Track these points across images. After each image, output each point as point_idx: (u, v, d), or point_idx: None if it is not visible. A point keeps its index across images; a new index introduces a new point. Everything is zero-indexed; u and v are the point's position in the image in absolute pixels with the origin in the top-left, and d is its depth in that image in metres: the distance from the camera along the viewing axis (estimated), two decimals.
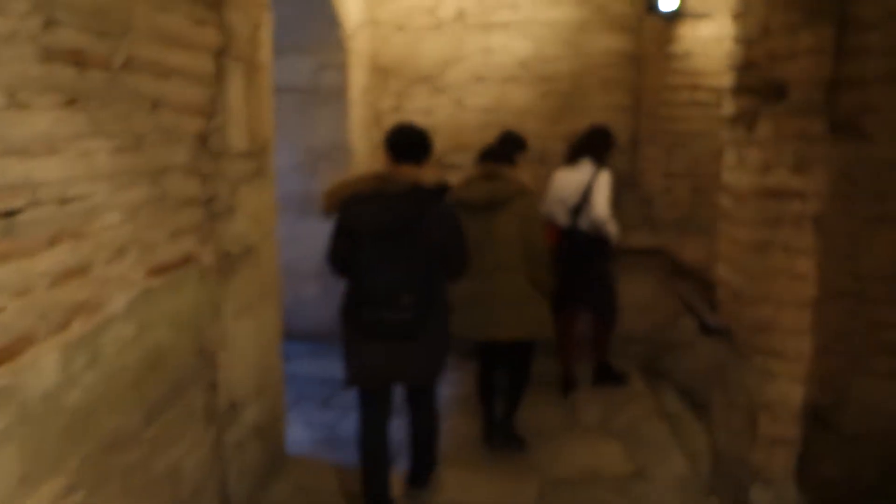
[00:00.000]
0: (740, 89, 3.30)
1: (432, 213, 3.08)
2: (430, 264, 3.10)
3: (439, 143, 6.46)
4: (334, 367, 5.32)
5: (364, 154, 6.28)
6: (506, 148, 4.41)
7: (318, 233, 5.71)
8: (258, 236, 3.54)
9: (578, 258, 4.89)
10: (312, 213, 5.80)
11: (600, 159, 4.94)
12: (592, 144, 4.98)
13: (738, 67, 3.31)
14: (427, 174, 3.21)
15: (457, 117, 6.49)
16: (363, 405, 3.35)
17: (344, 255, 3.17)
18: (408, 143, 3.21)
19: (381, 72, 6.47)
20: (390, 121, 6.47)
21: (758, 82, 3.12)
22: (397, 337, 3.10)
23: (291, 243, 5.81)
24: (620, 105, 6.46)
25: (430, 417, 3.50)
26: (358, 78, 5.96)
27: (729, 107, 3.42)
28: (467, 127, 6.49)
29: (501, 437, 4.26)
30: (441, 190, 3.19)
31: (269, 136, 3.67)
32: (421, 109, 6.50)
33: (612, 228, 4.82)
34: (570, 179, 4.97)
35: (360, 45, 6.03)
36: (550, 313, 4.07)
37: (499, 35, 6.41)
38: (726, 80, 3.41)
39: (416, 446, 3.58)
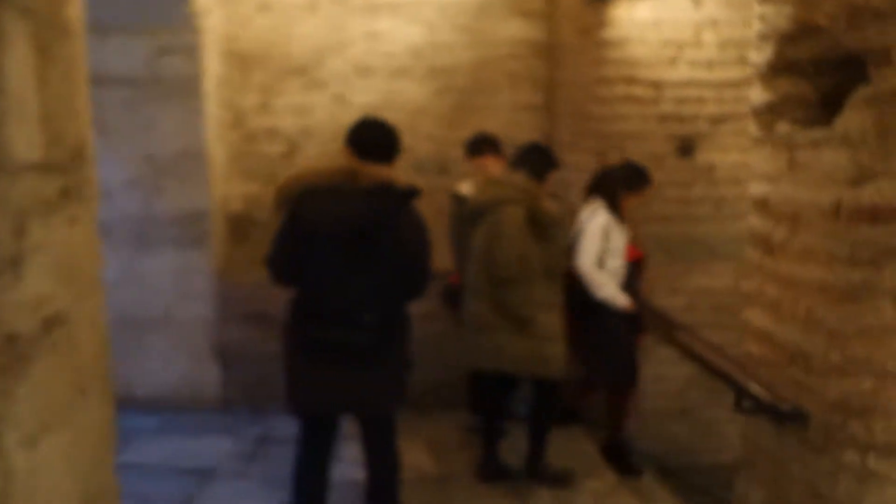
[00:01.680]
0: (784, 67, 2.35)
1: (402, 217, 2.73)
2: (396, 278, 2.76)
3: (317, 150, 5.26)
4: (196, 447, 4.02)
5: (222, 164, 4.96)
6: (533, 160, 3.87)
7: (165, 268, 4.45)
8: (69, 298, 2.19)
9: (577, 307, 4.08)
10: (157, 242, 4.43)
11: (612, 201, 4.17)
12: (603, 185, 4.26)
13: (780, 36, 2.34)
14: (398, 175, 2.81)
15: (338, 118, 5.28)
16: (303, 439, 2.98)
17: (292, 259, 2.76)
18: (376, 138, 2.81)
19: (242, 61, 5.17)
20: (255, 123, 5.19)
21: (825, 54, 2.16)
22: (354, 362, 2.75)
23: (128, 285, 4.44)
24: (531, 104, 5.51)
25: (388, 456, 3.01)
26: (212, 67, 4.64)
27: (763, 92, 2.46)
28: None
29: (539, 480, 3.87)
30: (411, 193, 2.76)
31: (83, 138, 2.32)
32: (294, 108, 5.26)
33: (601, 289, 4.07)
34: (580, 217, 4.33)
35: (214, 25, 4.71)
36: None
37: (386, 18, 5.29)
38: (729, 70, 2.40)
39: (372, 492, 3.03)
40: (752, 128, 2.56)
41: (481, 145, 4.38)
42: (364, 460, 3.05)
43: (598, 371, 4.29)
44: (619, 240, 4.08)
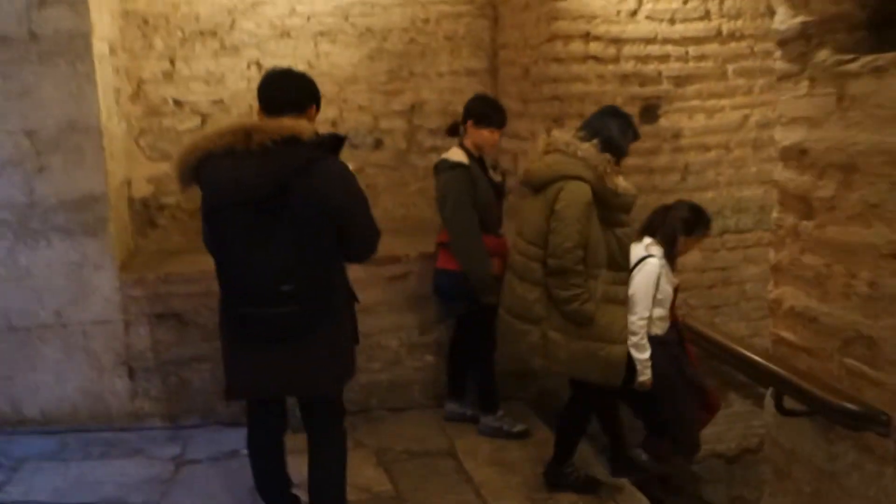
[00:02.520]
0: None
1: (317, 172, 2.40)
2: (321, 241, 2.45)
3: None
4: (99, 473, 3.40)
5: (121, 141, 4.26)
6: (610, 129, 3.17)
7: (55, 263, 3.74)
8: None
9: None
10: (42, 232, 3.72)
11: (670, 247, 3.48)
12: (662, 227, 3.51)
13: None
14: (308, 126, 2.45)
15: (256, 87, 4.63)
16: (248, 422, 2.84)
17: (208, 235, 2.55)
18: (280, 88, 2.58)
19: (141, 22, 4.46)
20: (160, 94, 4.52)
21: None
22: (280, 337, 2.49)
23: (11, 284, 3.72)
24: (473, 68, 4.98)
25: (332, 443, 2.76)
26: (103, 25, 3.93)
27: (792, 14, 1.98)
28: None
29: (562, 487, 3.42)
30: (330, 143, 2.47)
31: None
32: (205, 76, 4.58)
33: (642, 352, 3.27)
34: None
35: None
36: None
37: None
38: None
39: (316, 488, 2.76)
40: (779, 62, 2.08)
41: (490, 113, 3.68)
42: (308, 455, 2.77)
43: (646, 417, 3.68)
44: (668, 289, 3.49)
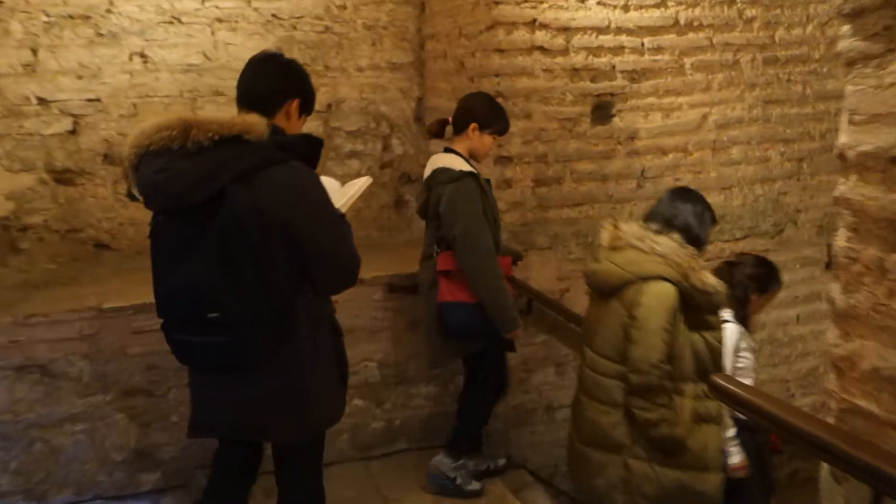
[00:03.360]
0: None
1: (262, 180, 1.97)
2: (267, 264, 1.98)
3: (112, 128, 3.87)
4: None
5: None
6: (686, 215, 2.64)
7: None
8: None
9: None
10: None
11: (742, 308, 3.03)
12: (731, 286, 2.93)
13: None
14: (259, 123, 1.99)
15: (140, 83, 3.91)
16: (211, 464, 2.43)
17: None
18: (249, 76, 2.17)
19: None
20: (19, 91, 3.72)
21: None
22: (224, 367, 2.11)
23: None
24: (397, 62, 4.37)
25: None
26: None
27: None
28: (159, 98, 3.94)
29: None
30: (294, 146, 2.05)
31: None
32: (77, 69, 3.81)
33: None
34: None
35: None
36: None
37: None
38: None
39: None
40: (849, 40, 1.55)
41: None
42: None
43: None
44: (750, 358, 2.98)
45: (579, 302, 3.69)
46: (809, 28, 4.10)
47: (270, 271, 1.99)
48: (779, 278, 3.11)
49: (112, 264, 3.82)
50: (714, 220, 2.70)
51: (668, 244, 2.49)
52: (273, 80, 2.16)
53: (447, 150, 3.11)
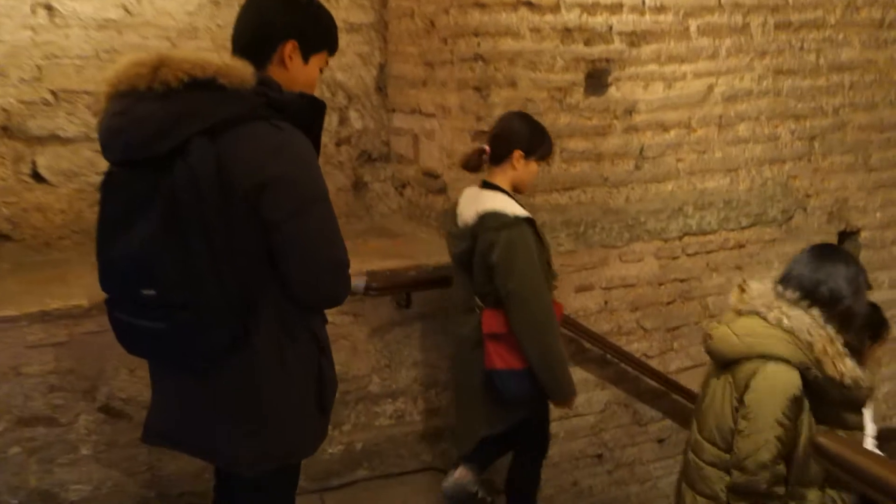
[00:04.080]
0: None
1: (236, 136, 1.60)
2: (223, 238, 1.59)
3: (10, 95, 3.22)
4: None
5: None
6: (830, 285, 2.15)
7: None
8: None
9: None
10: None
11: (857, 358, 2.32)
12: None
13: None
14: (241, 69, 1.65)
15: (46, 41, 3.24)
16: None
17: None
18: (241, 15, 1.81)
19: None
20: None
21: None
22: (164, 363, 1.82)
23: None
24: (355, 23, 3.76)
25: None
26: None
27: None
28: (69, 59, 3.28)
29: None
30: (286, 104, 1.67)
31: None
32: None
33: None
34: None
35: None
36: None
37: None
38: None
39: None
40: None
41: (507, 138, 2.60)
42: None
43: None
44: (870, 415, 2.47)
45: (567, 303, 3.18)
46: None
47: (228, 249, 1.60)
48: (887, 323, 2.63)
49: (12, 259, 3.16)
50: (869, 286, 2.20)
51: (802, 319, 2.03)
52: (256, 15, 1.78)
53: (487, 184, 2.58)
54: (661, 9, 3.28)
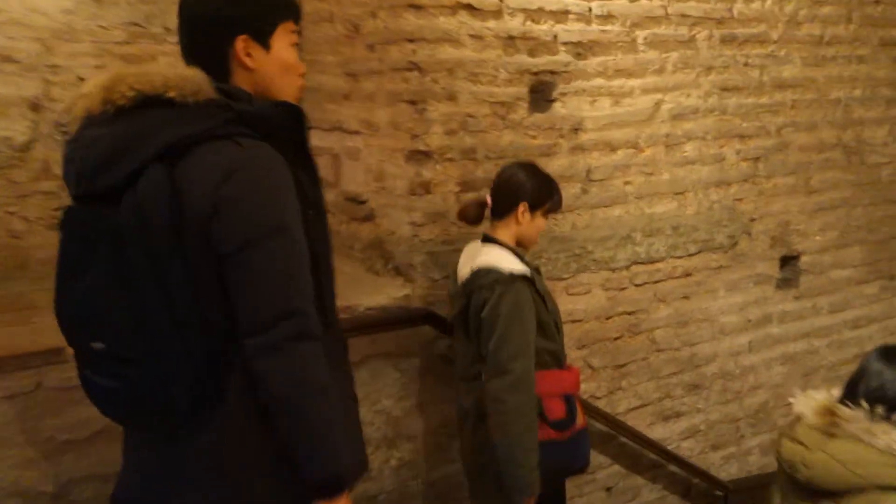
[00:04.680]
0: None
1: (192, 160, 1.39)
2: (189, 282, 1.39)
3: None
4: None
5: None
6: None
7: None
8: None
9: None
10: None
11: None
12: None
13: None
14: (192, 77, 1.42)
15: None
16: None
17: None
18: (181, 22, 1.55)
19: None
20: None
21: None
22: (120, 422, 1.58)
23: None
24: None
25: None
26: None
27: None
28: None
29: None
30: (254, 116, 1.43)
31: None
32: None
33: None
34: None
35: None
36: None
37: None
38: None
39: None
40: None
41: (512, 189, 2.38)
42: None
43: None
44: None
45: None
46: (769, 2, 3.44)
47: (184, 290, 1.39)
48: None
49: None
50: None
51: None
52: (190, 17, 1.52)
53: (487, 238, 2.36)
54: (607, 17, 3.00)
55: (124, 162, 1.37)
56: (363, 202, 2.99)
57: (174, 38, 3.00)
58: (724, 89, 3.39)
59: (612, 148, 3.10)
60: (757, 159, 3.55)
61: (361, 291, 2.70)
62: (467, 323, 2.31)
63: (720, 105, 3.39)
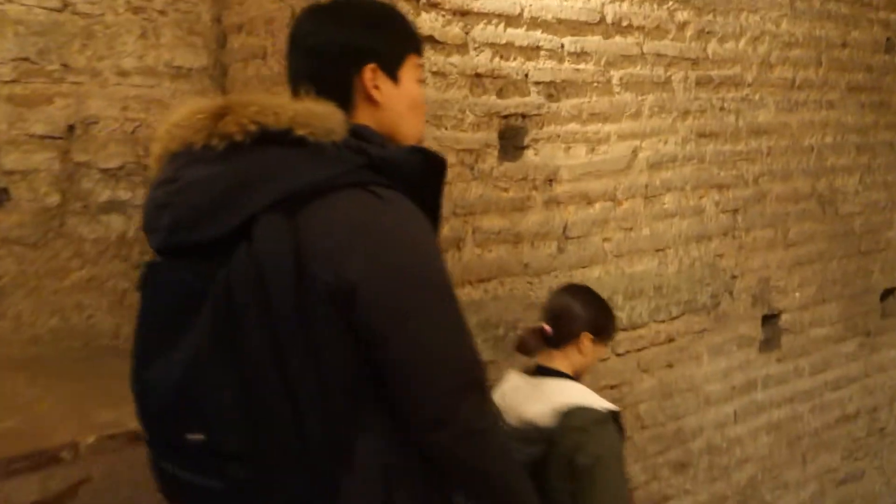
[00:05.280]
0: None
1: (317, 212, 1.17)
2: (316, 363, 1.15)
3: None
4: None
5: None
6: None
7: None
8: None
9: None
10: None
11: None
12: None
13: None
14: (331, 116, 1.21)
15: None
16: None
17: None
18: (299, 36, 1.36)
19: None
20: None
21: None
22: None
23: None
24: (184, 66, 2.86)
25: None
26: None
27: None
28: None
29: None
30: (391, 161, 1.23)
31: None
32: None
33: None
34: None
35: None
36: None
37: None
38: None
39: None
40: None
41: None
42: None
43: None
44: None
45: None
46: (742, 42, 3.20)
47: (309, 375, 1.13)
48: None
49: None
50: None
51: None
52: (334, 37, 1.32)
53: (543, 369, 2.06)
54: (581, 55, 2.67)
55: (236, 209, 1.15)
56: None
57: (75, 76, 2.55)
58: (702, 135, 3.10)
59: (588, 201, 2.75)
60: (736, 211, 3.26)
61: None
62: (543, 471, 1.98)
63: (698, 152, 3.09)
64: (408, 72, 1.36)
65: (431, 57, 2.32)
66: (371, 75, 1.31)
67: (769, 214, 3.40)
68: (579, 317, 2.09)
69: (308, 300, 1.14)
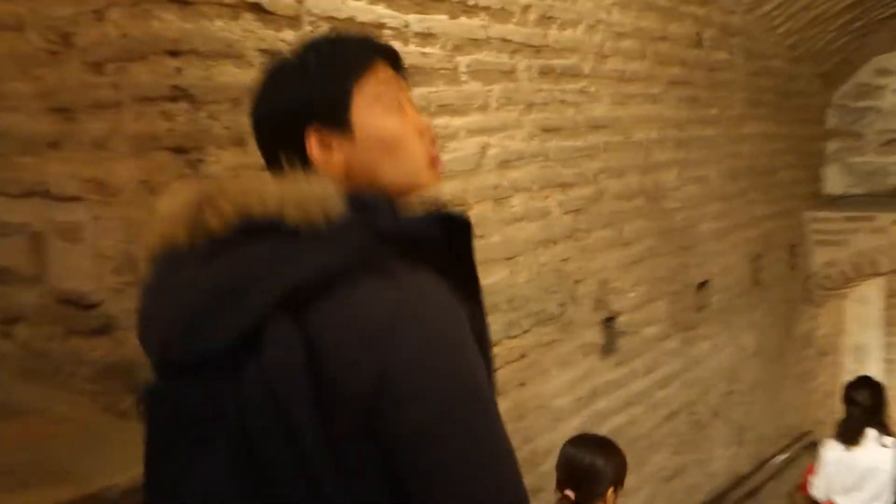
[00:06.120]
0: None
1: (336, 308, 0.94)
2: (348, 484, 0.95)
3: None
4: None
5: None
6: None
7: None
8: None
9: None
10: None
11: None
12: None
13: None
14: (320, 188, 0.98)
15: None
16: None
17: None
18: (262, 90, 1.13)
19: None
20: None
21: None
22: None
23: None
24: None
25: None
26: None
27: None
28: None
29: None
30: (409, 230, 1.01)
31: None
32: None
33: None
34: None
35: None
36: None
37: None
38: None
39: None
40: None
41: None
42: None
43: None
44: None
45: None
46: (580, 30, 2.98)
47: (338, 499, 0.97)
48: None
49: None
50: None
51: None
52: (264, 108, 1.10)
53: None
54: (427, 36, 2.29)
55: (231, 318, 0.96)
56: (93, 306, 1.93)
57: None
58: (545, 130, 2.84)
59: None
60: (578, 211, 3.05)
61: (103, 455, 1.67)
62: None
63: (542, 149, 2.83)
64: (363, 107, 1.07)
65: (257, 31, 1.82)
66: (317, 140, 1.05)
67: (607, 213, 3.23)
68: (605, 476, 2.14)
69: (333, 414, 0.96)
